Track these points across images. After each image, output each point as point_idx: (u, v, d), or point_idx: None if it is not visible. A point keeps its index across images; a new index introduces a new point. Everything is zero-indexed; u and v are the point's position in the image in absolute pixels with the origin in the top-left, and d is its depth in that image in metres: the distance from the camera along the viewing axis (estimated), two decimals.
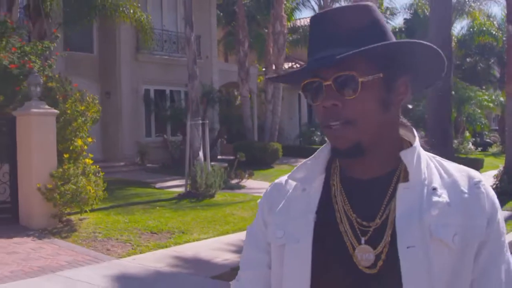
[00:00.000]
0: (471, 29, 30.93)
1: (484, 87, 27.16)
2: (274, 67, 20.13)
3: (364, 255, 1.23)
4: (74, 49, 16.91)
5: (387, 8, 31.37)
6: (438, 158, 1.33)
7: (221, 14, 24.56)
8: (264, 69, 22.15)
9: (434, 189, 1.23)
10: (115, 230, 9.17)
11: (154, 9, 20.26)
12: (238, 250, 7.90)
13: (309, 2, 27.84)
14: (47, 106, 9.32)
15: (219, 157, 20.65)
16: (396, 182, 1.26)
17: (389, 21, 31.96)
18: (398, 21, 32.48)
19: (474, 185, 1.26)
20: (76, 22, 14.48)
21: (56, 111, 9.37)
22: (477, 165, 19.62)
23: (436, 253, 1.18)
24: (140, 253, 7.97)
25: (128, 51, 19.39)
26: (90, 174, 9.58)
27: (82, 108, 9.81)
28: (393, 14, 31.80)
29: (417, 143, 1.29)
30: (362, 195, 1.28)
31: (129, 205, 11.35)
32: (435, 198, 1.22)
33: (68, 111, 9.67)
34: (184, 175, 12.97)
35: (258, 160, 18.59)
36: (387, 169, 1.28)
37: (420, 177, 1.24)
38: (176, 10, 21.11)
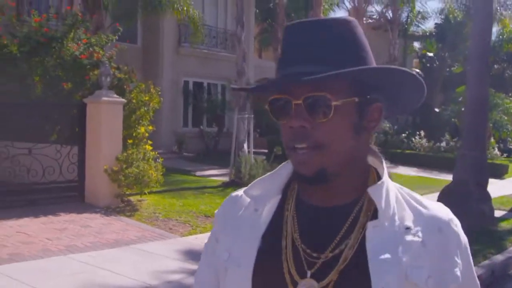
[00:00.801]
0: (500, 36, 31.34)
1: (511, 94, 27.64)
2: None
3: None
4: (120, 39, 17.78)
5: (419, 12, 31.87)
6: (406, 189, 1.24)
7: (257, 11, 25.30)
8: None
9: (408, 228, 1.15)
10: (173, 211, 10.00)
11: (196, 3, 21.08)
12: None
13: (344, 3, 28.39)
14: (115, 95, 10.17)
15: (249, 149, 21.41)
16: (357, 215, 1.17)
17: (420, 25, 32.50)
18: (428, 25, 32.95)
19: (448, 224, 1.19)
20: (130, 16, 15.33)
21: (123, 100, 10.23)
22: (501, 170, 20.15)
23: None
24: (200, 233, 8.79)
25: (170, 44, 20.26)
26: (149, 160, 10.42)
27: (146, 98, 10.66)
28: (424, 18, 32.26)
29: (385, 175, 1.20)
30: (315, 224, 1.19)
31: (180, 190, 12.21)
32: (408, 238, 1.14)
33: (133, 101, 10.52)
34: (221, 165, 13.78)
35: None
36: (347, 199, 1.19)
37: (389, 213, 1.15)
38: (216, 5, 21.93)
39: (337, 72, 1.08)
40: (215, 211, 1.37)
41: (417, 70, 32.91)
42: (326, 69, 1.09)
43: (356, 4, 26.65)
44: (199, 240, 8.28)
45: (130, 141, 10.38)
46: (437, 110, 28.99)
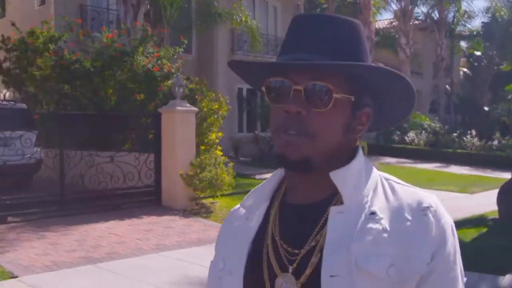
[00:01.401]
0: None
1: None
2: None
3: (283, 285, 1.13)
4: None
5: (465, 11, 31.88)
6: (393, 179, 1.21)
7: None
8: None
9: (373, 213, 1.11)
10: None
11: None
12: None
13: (390, 6, 28.67)
14: (188, 105, 10.85)
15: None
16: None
17: (466, 24, 32.48)
18: (475, 24, 32.90)
19: (421, 211, 1.12)
20: (187, 28, 16.07)
21: (196, 109, 10.90)
22: None
23: (364, 285, 1.06)
24: None
25: (224, 52, 20.94)
26: (220, 164, 11.05)
27: (216, 106, 11.31)
28: (470, 17, 32.25)
29: (357, 160, 1.18)
30: (295, 221, 1.18)
31: (247, 192, 12.77)
32: (370, 224, 1.10)
33: (204, 109, 11.18)
34: (276, 168, 14.25)
35: None
36: (324, 195, 1.17)
37: (357, 199, 1.13)
38: (267, 13, 22.52)
39: (352, 63, 1.11)
40: (221, 226, 1.37)
41: (465, 69, 32.87)
42: (326, 59, 1.10)
43: (403, 6, 26.93)
44: None
45: (202, 147, 11.04)
46: (486, 109, 28.95)
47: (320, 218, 1.15)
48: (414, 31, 27.86)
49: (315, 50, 1.12)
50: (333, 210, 1.13)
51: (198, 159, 10.70)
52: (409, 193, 1.16)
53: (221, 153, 11.41)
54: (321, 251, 1.10)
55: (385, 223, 1.10)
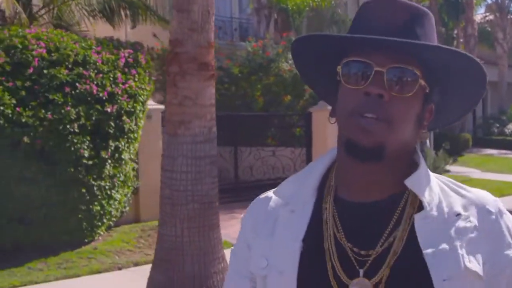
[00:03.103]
0: None
1: None
2: None
3: None
4: None
5: None
6: (444, 178, 1.18)
7: None
8: None
9: (458, 214, 1.09)
10: None
11: None
12: None
13: (486, 0, 29.37)
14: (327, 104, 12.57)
15: None
16: (403, 208, 1.10)
17: None
18: None
19: (497, 205, 1.13)
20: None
21: None
22: None
23: (473, 286, 1.05)
24: None
25: None
26: None
27: None
28: None
29: (422, 165, 1.12)
30: (358, 221, 1.10)
31: None
32: (461, 224, 1.07)
33: None
34: None
35: (450, 149, 20.99)
36: (388, 192, 1.11)
37: (436, 202, 1.09)
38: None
39: (446, 47, 1.02)
40: (242, 216, 1.28)
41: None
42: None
43: (499, 1, 27.69)
44: None
45: None
46: None
47: (389, 218, 1.09)
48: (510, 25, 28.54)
49: (390, 34, 1.02)
50: (417, 217, 1.07)
51: None
52: (475, 190, 1.15)
53: None
54: (397, 253, 1.05)
55: (474, 220, 1.09)
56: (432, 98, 1.14)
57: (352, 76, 1.08)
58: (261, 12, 15.74)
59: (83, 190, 7.50)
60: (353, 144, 1.07)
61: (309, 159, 12.69)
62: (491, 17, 29.08)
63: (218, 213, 4.90)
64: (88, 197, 7.60)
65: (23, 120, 7.00)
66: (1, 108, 6.90)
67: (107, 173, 7.82)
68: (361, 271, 1.08)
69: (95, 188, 7.65)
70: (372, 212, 1.11)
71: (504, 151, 23.29)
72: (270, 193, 1.25)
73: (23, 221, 7.28)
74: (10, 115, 6.97)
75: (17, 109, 7.02)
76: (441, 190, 1.13)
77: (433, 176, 1.15)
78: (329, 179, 1.18)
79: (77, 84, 7.48)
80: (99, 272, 7.01)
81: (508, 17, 28.31)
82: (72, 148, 7.28)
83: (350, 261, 1.09)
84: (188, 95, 4.38)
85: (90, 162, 7.51)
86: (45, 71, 7.38)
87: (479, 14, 33.01)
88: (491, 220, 1.11)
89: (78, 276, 6.88)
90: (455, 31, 25.02)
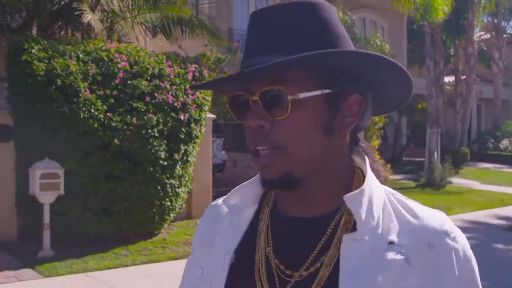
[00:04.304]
0: None
1: None
2: (465, 85, 24.05)
3: None
4: None
5: None
6: (399, 196, 1.07)
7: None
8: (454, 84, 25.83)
9: (391, 242, 0.98)
10: None
11: (359, 27, 24.51)
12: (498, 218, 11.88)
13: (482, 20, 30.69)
14: None
15: (404, 158, 24.49)
16: (335, 227, 1.02)
17: None
18: None
19: (445, 235, 1.00)
20: None
21: None
22: None
23: None
24: None
25: None
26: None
27: (377, 119, 14.17)
28: None
29: (369, 179, 1.03)
30: (290, 237, 1.05)
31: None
32: (390, 255, 0.97)
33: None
34: (402, 172, 17.03)
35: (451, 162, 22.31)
36: (326, 208, 1.04)
37: (371, 225, 0.99)
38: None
39: (285, 60, 0.92)
40: (199, 220, 1.23)
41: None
42: (287, 56, 0.94)
43: (496, 22, 29.09)
44: None
45: None
46: None
47: (319, 237, 1.01)
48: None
49: (271, 50, 0.97)
50: (346, 238, 0.98)
51: None
52: (425, 212, 1.03)
53: (379, 156, 14.23)
54: (322, 282, 0.98)
55: (406, 252, 0.97)
56: (349, 91, 1.01)
57: (237, 112, 1.04)
58: None
59: (158, 187, 8.55)
60: (262, 179, 1.02)
61: None
62: (487, 36, 30.49)
63: None
64: (161, 194, 8.64)
65: (113, 125, 8.05)
66: (95, 113, 7.95)
67: (177, 173, 8.88)
68: None
69: (167, 186, 8.70)
70: (303, 229, 1.03)
71: (499, 165, 24.59)
72: (220, 201, 1.19)
73: (107, 213, 8.31)
74: (102, 120, 8.01)
75: (108, 114, 8.07)
76: (384, 211, 1.02)
77: (382, 192, 1.04)
78: (271, 190, 1.12)
79: (155, 94, 8.55)
80: (176, 258, 8.04)
81: (504, 36, 29.76)
82: (152, 150, 8.34)
83: (274, 281, 1.03)
84: None
85: (165, 163, 8.57)
86: (129, 82, 8.44)
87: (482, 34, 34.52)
88: (428, 253, 0.98)
89: (159, 261, 7.92)
90: (451, 50, 26.33)
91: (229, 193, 1.15)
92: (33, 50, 8.10)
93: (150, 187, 8.43)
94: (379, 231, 1.00)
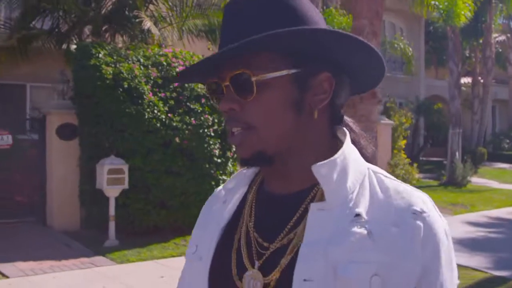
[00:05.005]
0: None
1: None
2: (482, 86, 24.67)
3: (251, 281, 1.04)
4: None
5: None
6: (382, 173, 1.07)
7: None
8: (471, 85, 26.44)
9: (358, 215, 0.98)
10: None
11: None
12: None
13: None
14: (386, 119, 14.39)
15: (421, 158, 25.10)
16: (311, 200, 1.04)
17: None
18: None
19: (412, 215, 0.98)
20: None
21: (392, 122, 14.43)
22: None
23: None
24: (465, 213, 12.77)
25: None
26: (406, 164, 14.53)
27: (404, 120, 14.81)
28: None
29: (343, 152, 1.04)
30: (270, 212, 1.09)
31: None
32: (353, 228, 0.97)
33: (396, 122, 14.70)
34: (419, 170, 17.63)
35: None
36: (307, 183, 1.06)
37: (341, 197, 1.00)
38: (393, 35, 25.84)
39: (242, 42, 0.95)
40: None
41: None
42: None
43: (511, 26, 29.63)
44: (463, 218, 12.26)
45: (395, 151, 14.56)
46: None
47: (296, 210, 1.05)
48: None
49: (239, 36, 0.98)
50: (313, 207, 1.01)
51: (393, 160, 14.21)
52: (400, 190, 1.02)
53: (405, 156, 14.89)
54: (293, 252, 1.00)
55: (370, 227, 0.97)
56: (317, 69, 1.03)
57: (214, 98, 1.09)
58: None
59: (213, 183, 9.21)
60: (239, 158, 1.07)
61: None
62: (502, 38, 30.98)
63: None
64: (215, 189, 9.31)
65: (174, 124, 8.73)
66: (158, 113, 8.64)
67: (229, 170, 9.55)
68: (257, 263, 1.04)
69: (220, 182, 9.36)
70: (282, 204, 1.07)
71: None
72: (221, 186, 1.24)
73: (165, 206, 8.99)
74: (164, 120, 8.70)
75: (169, 115, 8.75)
76: (361, 186, 1.03)
77: (362, 166, 1.06)
78: (260, 171, 1.17)
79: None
80: None
81: None
82: (208, 148, 9.01)
83: (252, 252, 1.07)
84: (364, 114, 6.17)
85: (219, 160, 9.24)
86: (186, 85, 9.12)
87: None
88: (393, 231, 0.97)
89: None
90: (467, 51, 26.93)
91: (229, 178, 1.22)
92: (100, 55, 8.78)
93: (205, 182, 9.09)
94: (351, 204, 1.00)
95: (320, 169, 1.01)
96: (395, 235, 0.97)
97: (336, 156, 1.03)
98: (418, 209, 1.00)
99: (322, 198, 1.03)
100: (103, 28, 11.35)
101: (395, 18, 25.44)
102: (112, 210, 8.53)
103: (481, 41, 24.95)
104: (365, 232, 0.98)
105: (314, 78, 1.04)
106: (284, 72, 1.01)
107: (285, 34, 0.96)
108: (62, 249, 8.32)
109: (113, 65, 8.74)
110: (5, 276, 6.93)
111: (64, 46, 11.85)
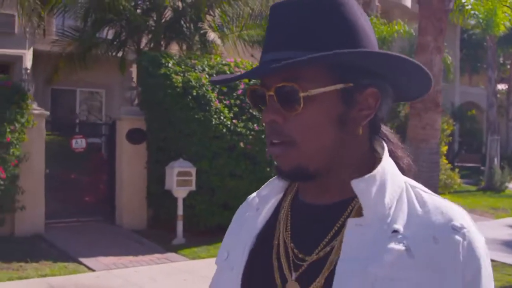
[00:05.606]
0: None
1: None
2: None
3: None
4: None
5: None
6: (420, 188, 1.05)
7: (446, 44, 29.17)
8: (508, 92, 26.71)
9: (395, 231, 0.97)
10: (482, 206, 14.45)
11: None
12: None
13: None
14: None
15: (456, 164, 25.38)
16: (349, 214, 1.03)
17: None
18: None
19: (452, 231, 0.96)
20: None
21: None
22: None
23: None
24: (506, 217, 13.14)
25: None
26: (448, 170, 14.90)
27: (446, 126, 15.23)
28: None
29: (383, 166, 1.02)
30: (307, 223, 1.07)
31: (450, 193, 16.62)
32: (391, 244, 0.95)
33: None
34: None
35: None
36: (345, 195, 1.04)
37: (379, 212, 0.98)
38: None
39: (296, 60, 0.93)
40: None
41: None
42: (301, 55, 0.95)
43: None
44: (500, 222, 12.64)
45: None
46: None
47: (334, 223, 1.02)
48: None
49: (288, 46, 0.99)
50: (351, 222, 0.99)
51: None
52: (438, 205, 1.00)
53: (446, 161, 15.28)
54: (332, 266, 0.98)
55: (408, 243, 0.95)
56: (364, 85, 1.01)
57: (255, 105, 1.07)
58: None
59: None
60: (278, 170, 1.04)
61: None
62: None
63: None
64: None
65: (238, 130, 9.30)
66: (224, 120, 9.22)
67: None
68: (294, 275, 1.03)
69: None
70: (320, 215, 1.05)
71: None
72: (255, 193, 1.21)
73: (228, 207, 9.54)
74: (229, 126, 9.27)
75: (234, 121, 9.33)
76: (399, 202, 1.01)
77: (400, 181, 1.04)
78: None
79: None
80: None
81: None
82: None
83: (290, 262, 1.05)
84: (428, 122, 6.68)
85: None
86: None
87: None
88: (432, 247, 0.94)
89: None
90: (501, 58, 27.18)
91: (263, 185, 1.18)
92: (169, 65, 9.40)
93: None
94: (388, 220, 0.98)
95: (359, 184, 1.00)
96: (435, 252, 0.95)
97: (375, 171, 1.01)
98: (458, 224, 0.97)
99: (359, 213, 1.00)
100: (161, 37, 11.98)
101: None
102: (180, 210, 9.09)
103: None
104: (403, 248, 0.95)
105: (361, 93, 1.02)
106: (332, 88, 0.99)
107: (345, 55, 0.96)
108: (135, 246, 8.92)
109: (181, 74, 9.34)
110: (91, 269, 7.54)
111: (120, 54, 12.55)
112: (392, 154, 1.08)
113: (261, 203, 1.15)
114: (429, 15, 6.79)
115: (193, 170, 9.12)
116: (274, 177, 1.15)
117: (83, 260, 7.83)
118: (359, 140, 1.04)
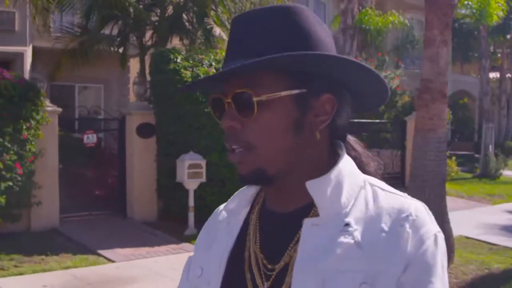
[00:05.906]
0: None
1: None
2: (510, 81, 25.36)
3: None
4: None
5: None
6: (379, 185, 1.08)
7: None
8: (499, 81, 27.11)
9: (347, 224, 1.00)
10: (479, 192, 14.79)
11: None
12: None
13: None
14: None
15: (449, 152, 25.78)
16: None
17: None
18: None
19: (399, 221, 1.00)
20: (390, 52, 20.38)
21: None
22: None
23: None
24: (503, 203, 13.49)
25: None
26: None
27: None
28: None
29: (339, 168, 1.05)
30: (274, 232, 1.09)
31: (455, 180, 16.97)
32: (341, 238, 0.99)
33: None
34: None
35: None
36: (306, 201, 1.06)
37: (335, 211, 1.02)
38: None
39: (244, 64, 0.96)
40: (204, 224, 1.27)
41: None
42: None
43: None
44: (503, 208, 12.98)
45: None
46: None
47: (298, 229, 1.04)
48: None
49: (245, 54, 1.01)
50: (307, 222, 1.03)
51: None
52: (391, 200, 1.04)
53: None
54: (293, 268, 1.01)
55: (358, 235, 0.99)
56: (319, 91, 1.03)
57: (216, 113, 1.09)
58: (347, 32, 18.19)
59: None
60: (238, 176, 1.06)
61: (403, 159, 15.28)
62: None
63: (445, 187, 7.38)
64: None
65: None
66: None
67: None
68: (266, 284, 1.05)
69: None
70: (285, 223, 1.07)
71: None
72: (222, 206, 1.24)
73: None
74: None
75: None
76: (357, 200, 1.04)
77: (358, 180, 1.07)
78: (262, 190, 1.16)
79: None
80: None
81: None
82: None
83: (261, 273, 1.07)
84: (435, 113, 6.96)
85: None
86: None
87: None
88: (381, 238, 0.98)
89: None
90: (491, 47, 27.60)
91: (230, 198, 1.20)
92: (178, 60, 9.62)
93: None
94: (344, 217, 1.01)
95: (313, 186, 1.03)
96: (383, 241, 0.98)
97: (329, 172, 1.04)
98: (406, 213, 1.00)
99: (317, 214, 1.03)
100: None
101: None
102: (191, 201, 9.34)
103: (508, 36, 25.53)
104: (352, 241, 0.98)
105: (317, 99, 1.04)
106: (285, 93, 1.01)
107: (296, 57, 0.98)
108: (150, 237, 9.17)
109: (190, 69, 9.56)
110: (111, 260, 7.79)
111: (121, 49, 12.73)
112: (357, 161, 1.13)
113: (231, 217, 1.18)
114: (435, 10, 7.07)
115: (203, 163, 9.36)
116: (240, 190, 1.19)
117: (101, 252, 8.06)
118: (318, 145, 1.07)
